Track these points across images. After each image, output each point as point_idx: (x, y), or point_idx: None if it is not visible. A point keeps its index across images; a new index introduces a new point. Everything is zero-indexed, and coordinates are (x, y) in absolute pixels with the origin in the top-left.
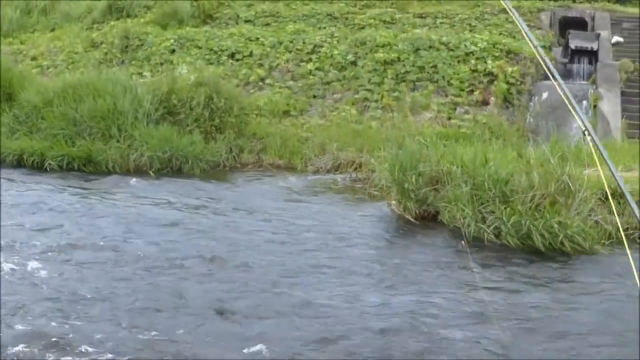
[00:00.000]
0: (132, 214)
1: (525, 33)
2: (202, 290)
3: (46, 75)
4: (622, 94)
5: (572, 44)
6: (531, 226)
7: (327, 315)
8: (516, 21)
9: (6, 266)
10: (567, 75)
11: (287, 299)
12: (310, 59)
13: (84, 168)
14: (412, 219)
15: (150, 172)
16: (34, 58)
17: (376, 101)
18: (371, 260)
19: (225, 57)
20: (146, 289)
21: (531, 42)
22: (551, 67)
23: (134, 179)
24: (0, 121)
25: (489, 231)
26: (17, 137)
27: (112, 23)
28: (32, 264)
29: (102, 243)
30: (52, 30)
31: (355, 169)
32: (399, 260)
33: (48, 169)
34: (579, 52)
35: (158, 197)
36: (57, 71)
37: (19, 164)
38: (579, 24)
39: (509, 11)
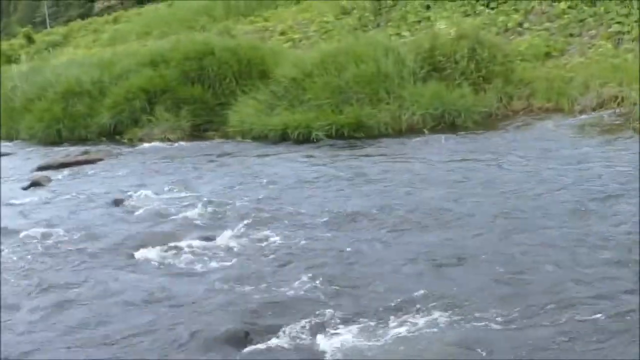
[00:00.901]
0: (426, 172)
1: None
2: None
3: (299, 48)
4: None
5: None
6: None
7: None
8: None
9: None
10: None
11: None
12: None
13: (354, 134)
14: None
15: (425, 130)
16: (282, 33)
17: (628, 32)
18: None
19: (481, 7)
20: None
21: None
22: None
23: (424, 138)
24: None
25: None
26: (278, 112)
27: None
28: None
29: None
30: (297, 2)
31: (618, 104)
32: None
33: (315, 140)
34: None
35: (450, 153)
36: (311, 42)
37: (283, 138)
38: None
39: None
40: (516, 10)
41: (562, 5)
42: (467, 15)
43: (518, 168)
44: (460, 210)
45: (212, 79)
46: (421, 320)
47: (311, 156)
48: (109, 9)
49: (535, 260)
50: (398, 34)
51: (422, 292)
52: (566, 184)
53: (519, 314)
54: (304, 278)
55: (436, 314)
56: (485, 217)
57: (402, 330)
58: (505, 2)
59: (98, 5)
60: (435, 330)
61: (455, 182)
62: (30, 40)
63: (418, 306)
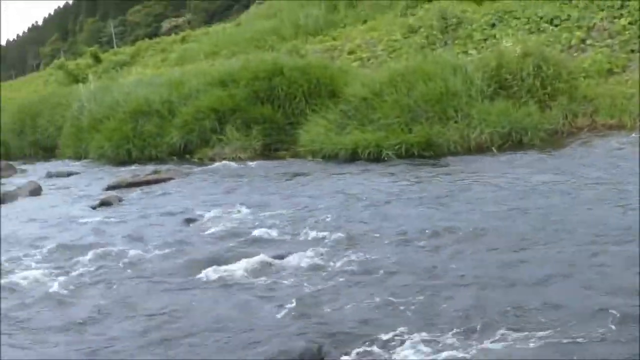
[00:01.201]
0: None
1: None
2: None
3: (367, 67)
4: None
5: None
6: None
7: None
8: None
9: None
10: None
11: None
12: (622, 14)
13: (424, 153)
14: None
15: (493, 149)
16: (351, 52)
17: None
18: None
19: (545, 24)
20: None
21: None
22: None
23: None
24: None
25: None
26: (348, 131)
27: (426, 6)
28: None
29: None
30: (364, 22)
31: None
32: None
33: (385, 159)
34: None
35: (512, 172)
36: (379, 61)
37: (353, 158)
38: None
39: None
40: (579, 27)
41: (623, 21)
42: (532, 33)
43: (595, 184)
44: (550, 227)
45: (281, 98)
46: (511, 336)
47: (383, 175)
48: (176, 28)
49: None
50: (465, 52)
51: (507, 309)
52: None
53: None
54: (381, 295)
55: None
56: (578, 233)
57: (485, 347)
58: (568, 19)
59: (165, 25)
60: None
61: (537, 199)
62: (97, 59)
63: (504, 323)
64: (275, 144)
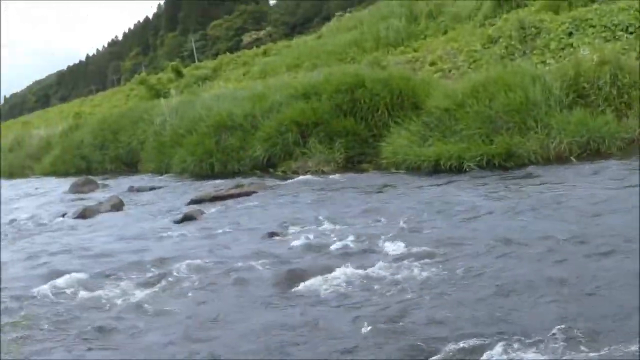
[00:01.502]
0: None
1: None
2: None
3: (449, 78)
4: None
5: None
6: None
7: None
8: None
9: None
10: None
11: None
12: None
13: (504, 163)
14: None
15: (572, 158)
16: (432, 63)
17: None
18: None
19: (621, 32)
20: None
21: None
22: None
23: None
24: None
25: None
26: (430, 143)
27: (505, 16)
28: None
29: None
30: (444, 32)
31: None
32: None
33: (467, 170)
34: None
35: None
36: (460, 72)
37: (435, 169)
38: None
39: None
40: None
41: None
42: (608, 41)
43: None
44: None
45: (364, 110)
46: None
47: (467, 186)
48: (257, 41)
49: None
50: (543, 62)
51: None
52: None
53: None
54: (465, 306)
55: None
56: None
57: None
58: None
59: (246, 39)
60: None
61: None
62: (179, 74)
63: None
64: (358, 156)
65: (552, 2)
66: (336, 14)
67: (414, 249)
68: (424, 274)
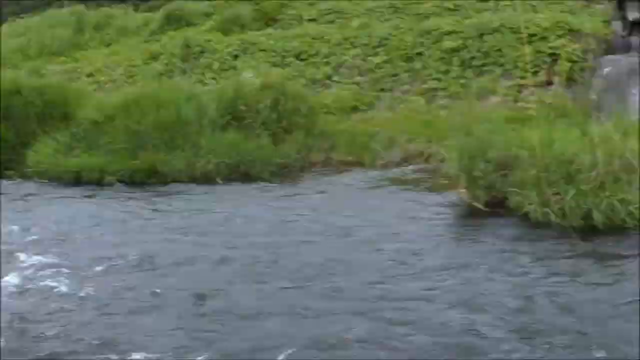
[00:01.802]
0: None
1: None
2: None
3: (104, 91)
4: None
5: (630, 17)
6: (592, 205)
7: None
8: None
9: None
10: (626, 48)
11: None
12: (377, 53)
13: (147, 180)
14: (481, 207)
15: (218, 180)
16: (90, 75)
17: (444, 89)
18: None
19: (291, 58)
20: None
21: None
22: None
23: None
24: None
25: (553, 213)
26: (75, 154)
27: (171, 33)
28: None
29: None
30: (108, 45)
31: (425, 160)
32: (463, 250)
33: (109, 184)
34: (638, 25)
35: (214, 204)
36: (116, 86)
37: (77, 181)
38: None
39: None
40: (327, 63)
41: (377, 59)
42: (276, 66)
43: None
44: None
45: (16, 118)
46: None
47: (100, 201)
48: None
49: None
50: (202, 81)
51: None
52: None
53: None
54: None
55: None
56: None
57: None
58: (316, 55)
59: None
60: None
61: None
62: None
63: None
64: (6, 163)
65: (224, 23)
66: (9, 18)
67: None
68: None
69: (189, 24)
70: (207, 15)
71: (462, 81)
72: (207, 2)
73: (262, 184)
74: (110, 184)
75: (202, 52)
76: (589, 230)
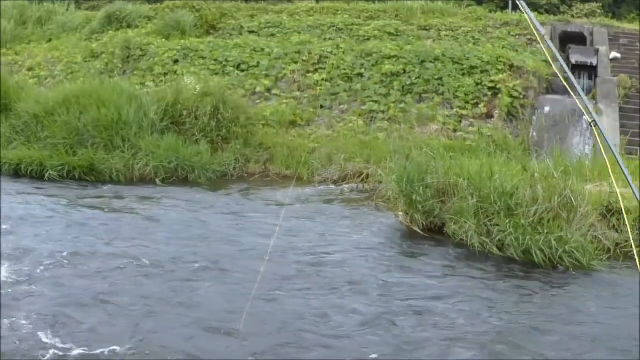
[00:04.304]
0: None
1: (535, 28)
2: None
3: (44, 86)
4: (620, 109)
5: (573, 59)
6: (530, 241)
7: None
8: (528, 19)
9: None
10: (567, 90)
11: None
12: (317, 70)
13: (86, 177)
14: (418, 231)
15: (157, 181)
16: (30, 68)
17: (383, 112)
18: (372, 271)
19: (231, 68)
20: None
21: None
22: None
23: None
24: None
25: (492, 244)
26: (14, 146)
27: (112, 33)
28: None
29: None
30: (49, 40)
31: (362, 179)
32: (399, 274)
33: (48, 178)
34: (579, 67)
35: (150, 204)
36: (56, 81)
37: (17, 173)
38: (578, 38)
39: (522, 9)
40: (267, 76)
41: (316, 76)
42: (216, 74)
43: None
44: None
45: None
46: None
47: (42, 194)
48: None
49: None
50: (142, 83)
51: None
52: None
53: None
54: None
55: None
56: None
57: None
58: (257, 66)
59: None
60: None
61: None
62: None
63: None
64: None
65: (164, 28)
66: None
67: None
68: None
69: (130, 25)
70: (148, 18)
71: (401, 105)
72: (148, 6)
73: (197, 189)
74: (50, 178)
75: (142, 54)
76: (529, 264)
